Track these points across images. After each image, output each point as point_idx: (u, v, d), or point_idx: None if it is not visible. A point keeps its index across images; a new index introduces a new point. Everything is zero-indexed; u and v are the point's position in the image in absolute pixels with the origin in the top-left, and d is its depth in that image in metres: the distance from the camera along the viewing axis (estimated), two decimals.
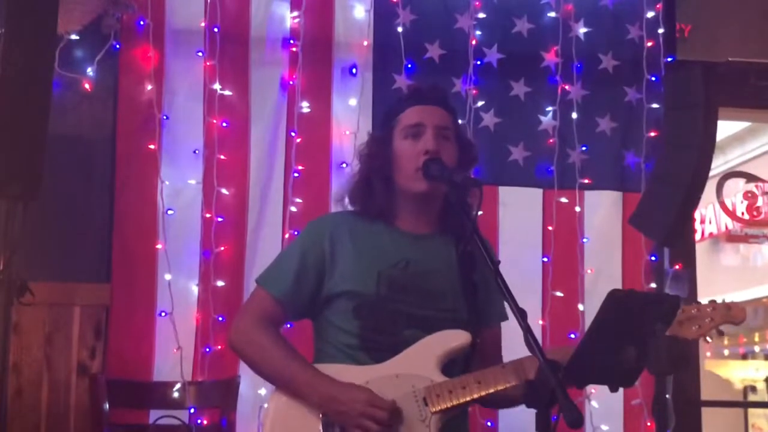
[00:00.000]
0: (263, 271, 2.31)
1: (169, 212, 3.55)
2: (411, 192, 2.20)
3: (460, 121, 3.66)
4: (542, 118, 3.92)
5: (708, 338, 2.17)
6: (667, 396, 3.76)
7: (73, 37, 3.54)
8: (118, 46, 3.62)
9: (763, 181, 7.04)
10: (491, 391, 2.05)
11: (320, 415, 2.05)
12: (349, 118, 3.72)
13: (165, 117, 3.62)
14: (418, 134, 2.20)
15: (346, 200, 2.32)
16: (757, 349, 9.21)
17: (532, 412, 1.75)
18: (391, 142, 2.23)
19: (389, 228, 2.23)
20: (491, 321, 2.27)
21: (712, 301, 2.18)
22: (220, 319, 3.50)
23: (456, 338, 2.11)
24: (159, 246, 3.53)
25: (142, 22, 3.62)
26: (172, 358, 3.45)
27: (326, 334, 2.21)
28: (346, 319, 2.16)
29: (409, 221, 2.24)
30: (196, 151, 3.63)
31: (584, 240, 3.89)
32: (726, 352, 9.24)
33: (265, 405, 3.36)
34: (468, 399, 2.05)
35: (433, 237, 2.24)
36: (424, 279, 2.18)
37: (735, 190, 7.07)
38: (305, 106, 3.71)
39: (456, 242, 2.20)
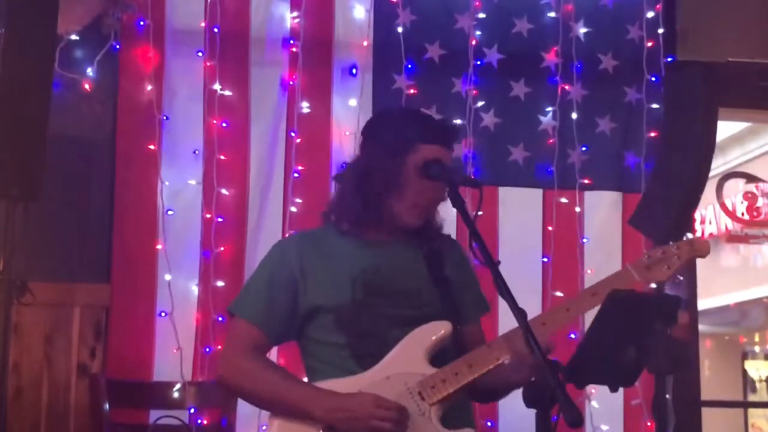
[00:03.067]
0: (234, 300, 2.29)
1: (169, 212, 3.55)
2: (401, 222, 2.19)
3: (459, 121, 3.70)
4: (542, 118, 3.92)
5: (679, 276, 2.23)
6: (667, 396, 3.75)
7: (73, 37, 3.53)
8: (118, 47, 3.62)
9: (763, 181, 7.03)
10: (483, 371, 2.05)
11: (320, 430, 2.05)
12: (349, 118, 3.72)
13: (165, 117, 3.62)
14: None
15: (333, 204, 2.29)
16: (757, 349, 9.21)
17: (532, 412, 1.75)
18: (403, 167, 2.15)
19: (353, 239, 2.22)
20: (470, 318, 2.26)
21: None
22: (220, 319, 3.49)
23: (437, 329, 2.11)
24: (159, 246, 3.53)
25: (142, 22, 3.62)
26: (172, 358, 3.45)
27: (314, 351, 2.20)
28: (330, 333, 2.15)
29: (372, 233, 2.23)
30: (196, 152, 3.63)
31: (584, 240, 3.89)
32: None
33: None
34: (462, 384, 2.05)
35: (395, 243, 2.23)
36: (397, 280, 2.17)
37: (735, 190, 7.06)
38: (305, 107, 3.71)
39: (420, 244, 2.21)
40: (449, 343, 2.13)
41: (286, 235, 3.54)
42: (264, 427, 3.41)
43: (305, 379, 2.21)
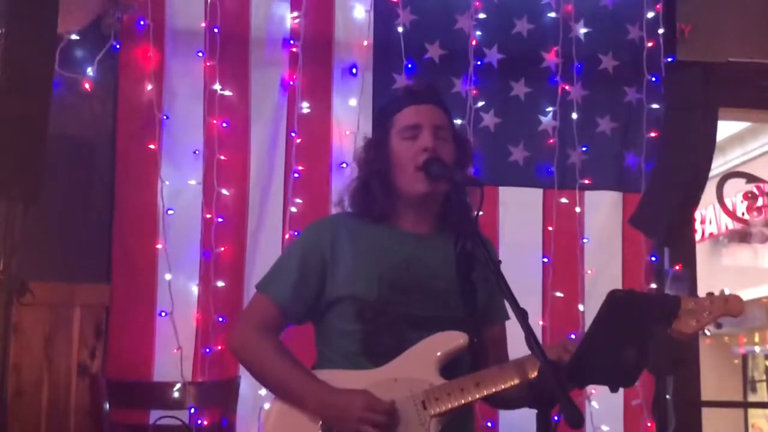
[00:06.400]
0: (263, 276, 2.30)
1: (169, 212, 3.55)
2: (412, 193, 2.19)
3: (459, 121, 3.69)
4: (542, 118, 3.92)
5: (706, 331, 2.17)
6: (667, 396, 3.76)
7: (73, 37, 3.53)
8: (118, 46, 3.61)
9: (763, 181, 7.03)
10: (490, 391, 2.04)
11: (319, 423, 2.05)
12: (350, 118, 3.72)
13: (165, 117, 3.62)
14: (415, 135, 2.19)
15: (347, 203, 2.31)
16: (757, 349, 9.21)
17: (533, 412, 1.75)
18: (389, 144, 2.22)
19: (390, 229, 2.23)
20: (493, 320, 2.26)
21: (710, 294, 2.18)
22: (221, 319, 3.49)
23: (453, 339, 2.11)
24: (159, 246, 3.52)
25: (142, 23, 3.62)
26: (172, 358, 3.45)
27: (328, 339, 2.21)
28: (349, 323, 2.15)
29: (409, 222, 2.23)
30: (196, 152, 3.63)
31: (584, 240, 3.88)
32: None
33: (266, 405, 3.38)
34: (467, 401, 2.05)
35: (433, 237, 2.23)
36: (426, 280, 2.17)
37: (735, 190, 7.06)
38: (305, 107, 3.71)
39: (455, 241, 2.18)
40: (467, 353, 2.12)
41: (287, 236, 3.55)
42: None
43: (314, 364, 2.22)
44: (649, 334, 1.89)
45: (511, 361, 2.09)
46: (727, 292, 2.17)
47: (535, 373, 1.97)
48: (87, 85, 3.58)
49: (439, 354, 2.09)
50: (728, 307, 2.12)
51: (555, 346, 2.10)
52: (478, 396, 2.04)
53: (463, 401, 2.04)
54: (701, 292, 4.10)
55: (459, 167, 2.21)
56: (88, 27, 3.53)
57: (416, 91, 2.30)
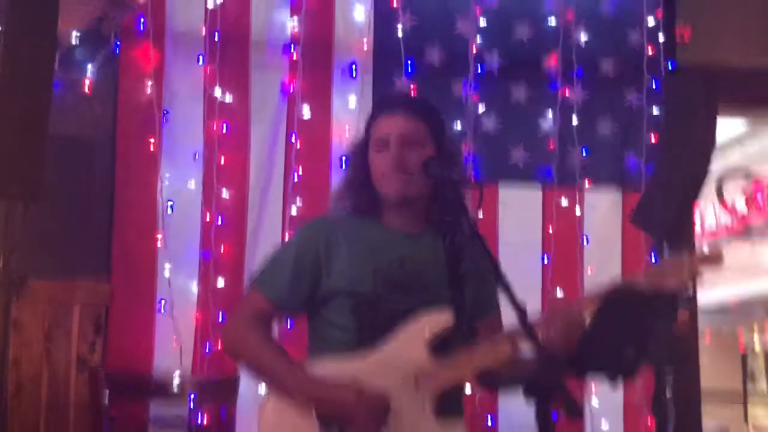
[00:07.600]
0: (257, 273, 2.31)
1: (169, 212, 3.56)
2: (388, 197, 2.23)
3: (459, 127, 3.69)
4: (542, 122, 3.92)
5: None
6: (668, 393, 3.76)
7: (73, 36, 3.53)
8: (118, 46, 3.62)
9: (763, 178, 7.04)
10: (482, 366, 2.06)
11: (313, 414, 2.07)
12: (349, 120, 3.72)
13: (165, 118, 3.62)
14: (385, 147, 2.22)
15: (338, 202, 2.33)
16: (756, 344, 9.22)
17: (532, 409, 1.75)
18: (367, 153, 2.26)
19: (382, 228, 2.25)
20: (484, 313, 2.27)
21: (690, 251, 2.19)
22: (220, 319, 3.50)
23: (438, 319, 2.12)
24: (159, 246, 3.53)
25: (142, 20, 3.62)
26: (173, 357, 3.46)
27: (322, 332, 2.23)
28: (343, 317, 2.17)
29: (400, 221, 2.26)
30: (196, 154, 3.63)
31: (584, 240, 3.89)
32: None
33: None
34: (460, 377, 2.07)
35: (423, 235, 2.25)
36: (419, 277, 2.19)
37: (735, 187, 7.07)
38: (305, 109, 3.71)
39: (443, 236, 2.19)
40: (457, 338, 2.13)
41: (286, 237, 3.55)
42: None
43: (306, 357, 2.23)
44: (649, 329, 1.89)
45: (501, 334, 2.10)
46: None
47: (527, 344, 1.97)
48: (87, 85, 3.58)
49: (426, 334, 2.11)
50: (708, 257, 2.08)
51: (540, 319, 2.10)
52: (469, 372, 2.06)
53: (455, 377, 2.06)
54: (701, 289, 4.13)
55: (442, 167, 2.22)
56: (88, 27, 3.54)
57: (385, 100, 2.35)
